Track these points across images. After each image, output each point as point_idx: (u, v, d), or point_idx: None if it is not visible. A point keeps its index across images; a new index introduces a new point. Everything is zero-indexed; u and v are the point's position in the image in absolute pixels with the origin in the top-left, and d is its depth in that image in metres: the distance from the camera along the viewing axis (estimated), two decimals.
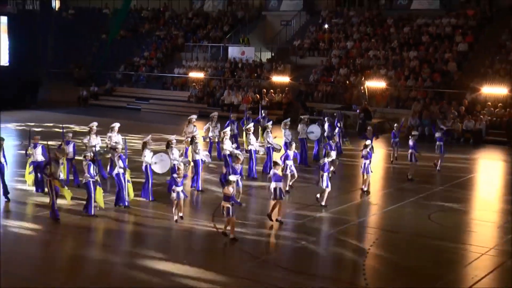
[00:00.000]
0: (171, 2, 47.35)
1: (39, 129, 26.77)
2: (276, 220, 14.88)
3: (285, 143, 20.53)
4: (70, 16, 47.99)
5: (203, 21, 44.45)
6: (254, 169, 19.60)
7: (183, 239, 14.16)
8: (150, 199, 16.64)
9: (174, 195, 14.59)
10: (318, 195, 16.41)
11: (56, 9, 50.33)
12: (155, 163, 16.61)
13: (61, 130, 19.00)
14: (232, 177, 14.06)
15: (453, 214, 16.42)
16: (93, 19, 47.75)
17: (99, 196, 15.18)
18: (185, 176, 15.28)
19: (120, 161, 15.81)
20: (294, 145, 18.16)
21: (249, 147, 19.82)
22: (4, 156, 16.50)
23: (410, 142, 19.94)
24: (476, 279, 11.86)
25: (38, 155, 16.95)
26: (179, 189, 14.64)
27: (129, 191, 16.01)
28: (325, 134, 22.33)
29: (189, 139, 18.89)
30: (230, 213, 13.33)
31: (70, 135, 18.27)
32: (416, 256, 13.20)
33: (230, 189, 13.54)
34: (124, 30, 45.57)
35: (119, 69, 42.62)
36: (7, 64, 36.15)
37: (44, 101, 38.12)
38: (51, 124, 29.22)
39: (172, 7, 47.30)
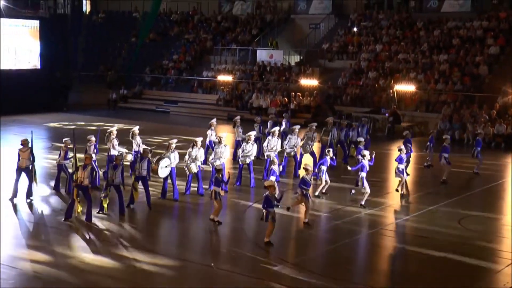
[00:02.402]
0: (200, 6, 47.57)
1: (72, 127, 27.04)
2: (305, 222, 14.92)
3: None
4: (100, 20, 48.48)
5: (232, 25, 44.56)
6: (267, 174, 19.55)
7: (212, 240, 14.21)
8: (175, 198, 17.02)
9: (217, 196, 14.70)
10: (362, 202, 16.60)
11: (87, 13, 50.91)
12: (166, 166, 16.81)
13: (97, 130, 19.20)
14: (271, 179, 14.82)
15: (484, 219, 16.22)
16: (123, 22, 48.18)
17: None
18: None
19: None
20: (331, 151, 18.11)
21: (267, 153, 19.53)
22: (32, 158, 16.66)
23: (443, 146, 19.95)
24: (508, 286, 11.71)
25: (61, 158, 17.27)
26: (218, 189, 14.73)
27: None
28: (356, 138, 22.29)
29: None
30: (270, 219, 13.33)
31: (93, 138, 18.29)
32: (446, 261, 13.04)
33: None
34: (153, 33, 45.91)
35: (148, 72, 42.95)
36: (39, 67, 36.64)
37: (75, 103, 38.58)
38: (74, 126, 29.58)
39: (201, 11, 47.52)
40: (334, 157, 18.20)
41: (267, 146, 19.39)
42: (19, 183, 16.64)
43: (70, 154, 16.96)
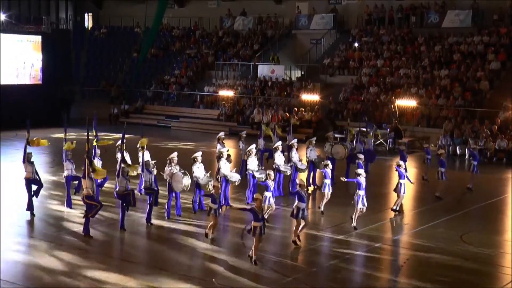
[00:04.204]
0: (202, 21, 47.75)
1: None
2: (293, 241, 14.79)
3: (311, 162, 20.47)
4: (102, 35, 48.67)
5: (233, 40, 44.70)
6: (280, 187, 19.49)
7: (213, 256, 14.16)
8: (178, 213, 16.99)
9: (212, 212, 14.66)
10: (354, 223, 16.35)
11: (89, 28, 51.15)
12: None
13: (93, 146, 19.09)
14: (266, 193, 14.92)
15: (485, 235, 16.15)
16: (124, 37, 48.37)
17: None
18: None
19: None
20: (329, 163, 18.05)
21: (274, 166, 19.38)
22: (37, 173, 16.71)
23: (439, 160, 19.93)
24: None
25: (70, 170, 17.29)
26: (215, 206, 14.69)
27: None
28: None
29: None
30: (257, 233, 13.22)
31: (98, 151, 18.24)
32: (448, 278, 12.97)
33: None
34: (155, 49, 46.07)
35: (150, 87, 43.06)
36: (40, 82, 36.74)
37: (76, 118, 38.58)
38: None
39: (202, 26, 47.69)
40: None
41: (278, 160, 19.33)
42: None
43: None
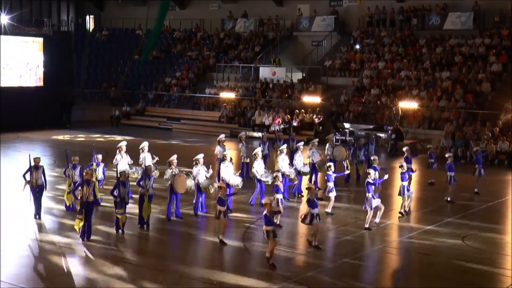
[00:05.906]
0: (203, 23, 47.81)
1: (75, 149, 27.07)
2: (315, 246, 14.68)
3: (313, 165, 20.45)
4: (103, 37, 48.73)
5: (235, 42, 44.74)
6: (285, 191, 19.44)
7: (215, 258, 14.15)
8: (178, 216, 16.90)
9: (222, 215, 14.62)
10: (366, 225, 16.28)
11: (90, 30, 51.20)
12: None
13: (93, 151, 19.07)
14: (277, 196, 15.30)
15: (487, 237, 16.12)
16: (126, 40, 48.42)
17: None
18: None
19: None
20: (332, 166, 18.02)
21: (278, 168, 19.45)
22: (44, 177, 16.69)
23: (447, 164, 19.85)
24: None
25: (77, 176, 17.16)
26: (223, 208, 14.66)
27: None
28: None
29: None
30: (271, 236, 13.25)
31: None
32: (450, 279, 12.97)
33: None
34: (156, 51, 46.12)
35: (151, 89, 43.11)
36: (42, 84, 36.76)
37: (78, 120, 38.66)
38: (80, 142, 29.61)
39: (204, 28, 47.74)
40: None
41: (282, 163, 19.29)
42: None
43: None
